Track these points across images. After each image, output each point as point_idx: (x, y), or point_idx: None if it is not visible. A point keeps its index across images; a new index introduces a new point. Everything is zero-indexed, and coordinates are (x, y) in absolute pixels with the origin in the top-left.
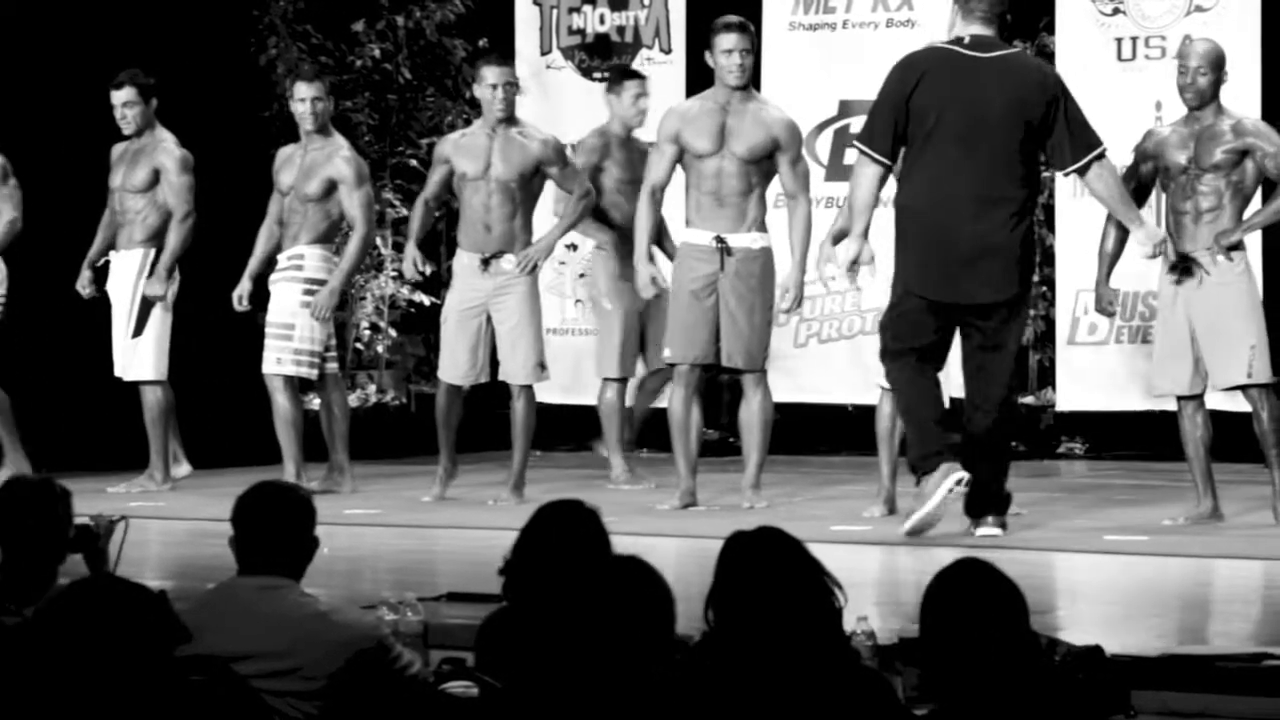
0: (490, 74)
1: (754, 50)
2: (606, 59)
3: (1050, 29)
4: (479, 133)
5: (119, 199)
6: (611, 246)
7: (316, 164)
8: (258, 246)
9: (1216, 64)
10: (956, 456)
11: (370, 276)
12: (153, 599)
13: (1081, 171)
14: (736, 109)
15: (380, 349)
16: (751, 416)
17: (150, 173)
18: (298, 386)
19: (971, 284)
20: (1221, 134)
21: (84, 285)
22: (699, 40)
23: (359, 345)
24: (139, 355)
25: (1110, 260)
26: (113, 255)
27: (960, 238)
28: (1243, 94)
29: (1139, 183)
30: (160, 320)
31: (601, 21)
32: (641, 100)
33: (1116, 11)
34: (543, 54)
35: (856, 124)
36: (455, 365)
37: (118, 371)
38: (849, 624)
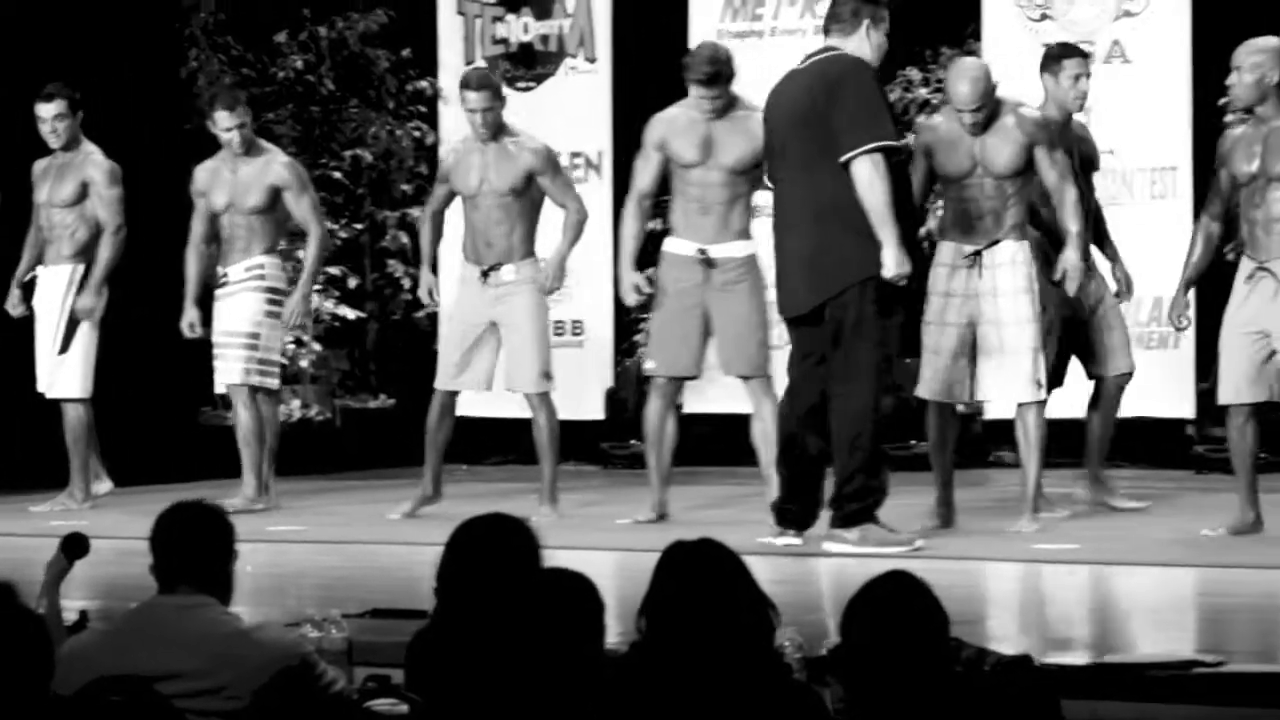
0: (467, 99)
1: (730, 76)
2: (531, 69)
3: (977, 35)
4: (472, 147)
5: (45, 214)
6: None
7: (253, 176)
8: (190, 270)
9: (1266, 63)
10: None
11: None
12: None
13: (847, 165)
14: (722, 118)
15: (304, 364)
16: (767, 427)
17: (78, 186)
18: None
19: (780, 297)
20: None
21: (14, 305)
22: (624, 49)
23: (283, 360)
24: (65, 372)
25: (1195, 270)
26: (40, 271)
27: (780, 252)
28: (1173, 100)
29: (1221, 190)
30: (87, 337)
31: (525, 31)
32: (1082, 81)
33: (1044, 17)
34: (467, 64)
35: None
36: (448, 372)
37: (41, 388)
38: (780, 636)
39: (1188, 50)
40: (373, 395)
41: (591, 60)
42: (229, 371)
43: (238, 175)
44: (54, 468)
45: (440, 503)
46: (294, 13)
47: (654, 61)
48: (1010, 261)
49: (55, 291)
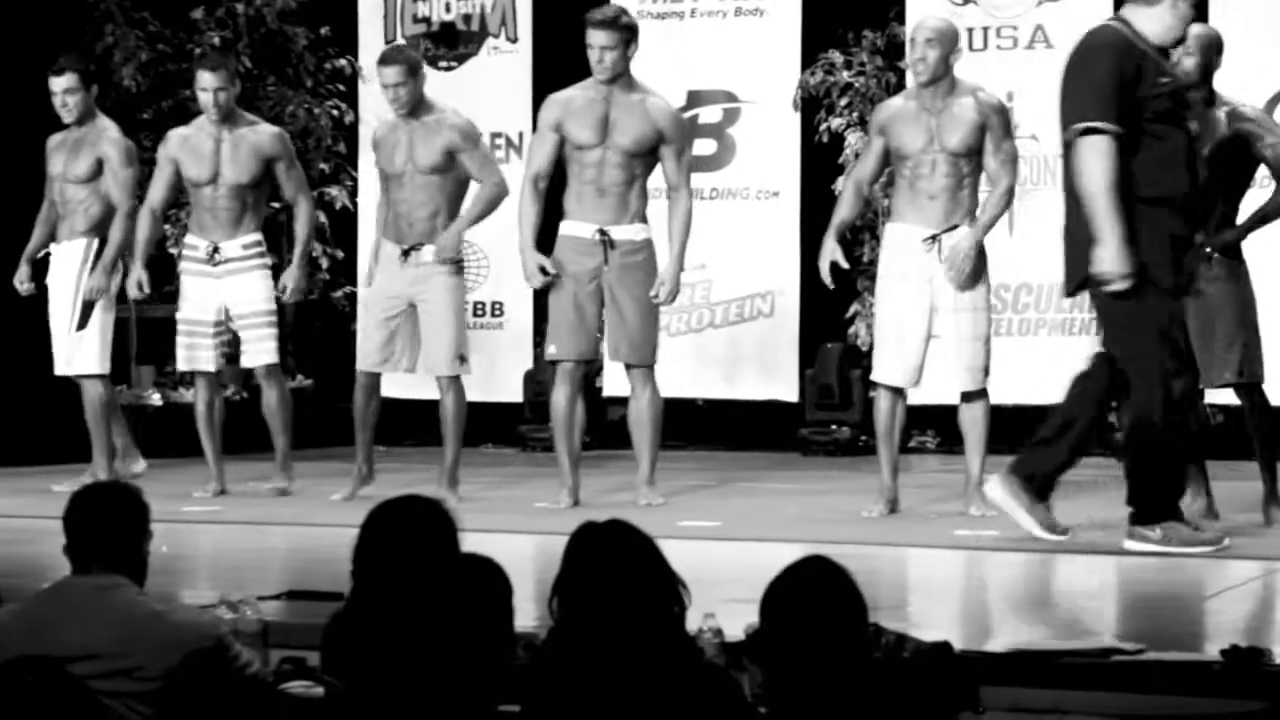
0: (381, 74)
1: (628, 41)
2: (453, 48)
3: (900, 19)
4: (398, 125)
5: (59, 189)
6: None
7: (245, 148)
8: (144, 233)
9: (1206, 49)
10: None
11: None
12: None
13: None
14: (619, 100)
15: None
16: (641, 413)
17: (93, 162)
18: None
19: None
20: (1217, 124)
21: (22, 281)
22: (545, 29)
23: None
24: (83, 349)
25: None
26: (53, 247)
27: None
28: None
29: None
30: (103, 314)
31: (447, 10)
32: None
33: (968, 1)
34: (387, 42)
35: (706, 114)
36: (370, 352)
37: (58, 367)
38: (696, 621)
39: None
40: (290, 376)
41: (513, 40)
42: (261, 353)
43: (223, 146)
44: (77, 445)
45: (373, 483)
46: None
47: (576, 42)
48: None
49: (70, 268)
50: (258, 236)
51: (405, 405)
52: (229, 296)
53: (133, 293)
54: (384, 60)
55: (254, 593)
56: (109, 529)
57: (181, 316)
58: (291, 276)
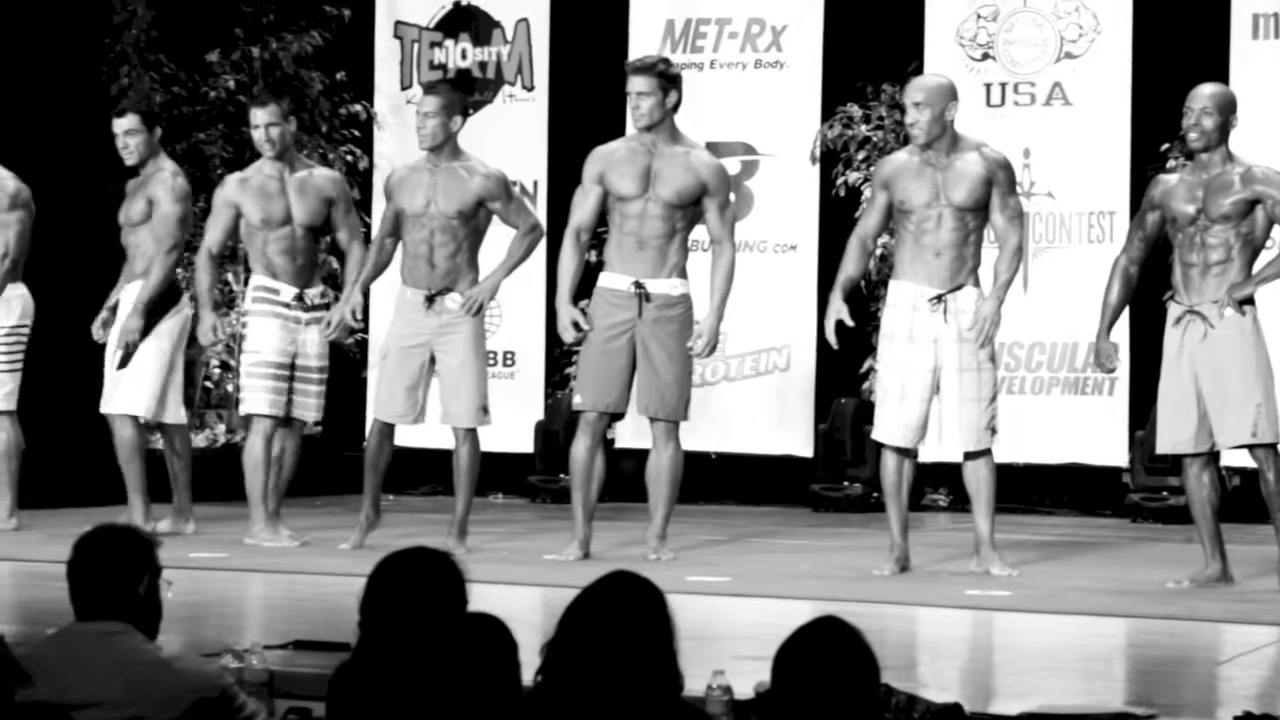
0: (422, 103)
1: (666, 89)
2: (469, 94)
3: (919, 72)
4: (421, 166)
5: (124, 234)
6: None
7: (308, 191)
8: (207, 279)
9: (1223, 107)
10: None
11: (221, 314)
12: None
13: None
14: (662, 151)
15: (230, 388)
16: (661, 469)
17: (146, 205)
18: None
19: None
20: (1230, 183)
21: (97, 328)
22: (562, 77)
23: (208, 384)
24: (120, 388)
25: (1113, 313)
26: (120, 292)
27: None
28: (1113, 143)
29: (1145, 233)
30: (155, 354)
31: (463, 57)
32: None
33: (986, 57)
34: (403, 88)
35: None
36: (393, 403)
37: (101, 405)
38: (704, 678)
39: (1128, 94)
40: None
41: (529, 88)
42: (309, 407)
43: (289, 188)
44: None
45: (380, 528)
46: (227, 32)
47: (592, 91)
48: (972, 307)
49: (125, 309)
50: (322, 288)
51: (413, 454)
52: (301, 344)
53: (207, 339)
54: (428, 87)
55: (260, 641)
56: (112, 575)
57: (261, 359)
58: (336, 312)
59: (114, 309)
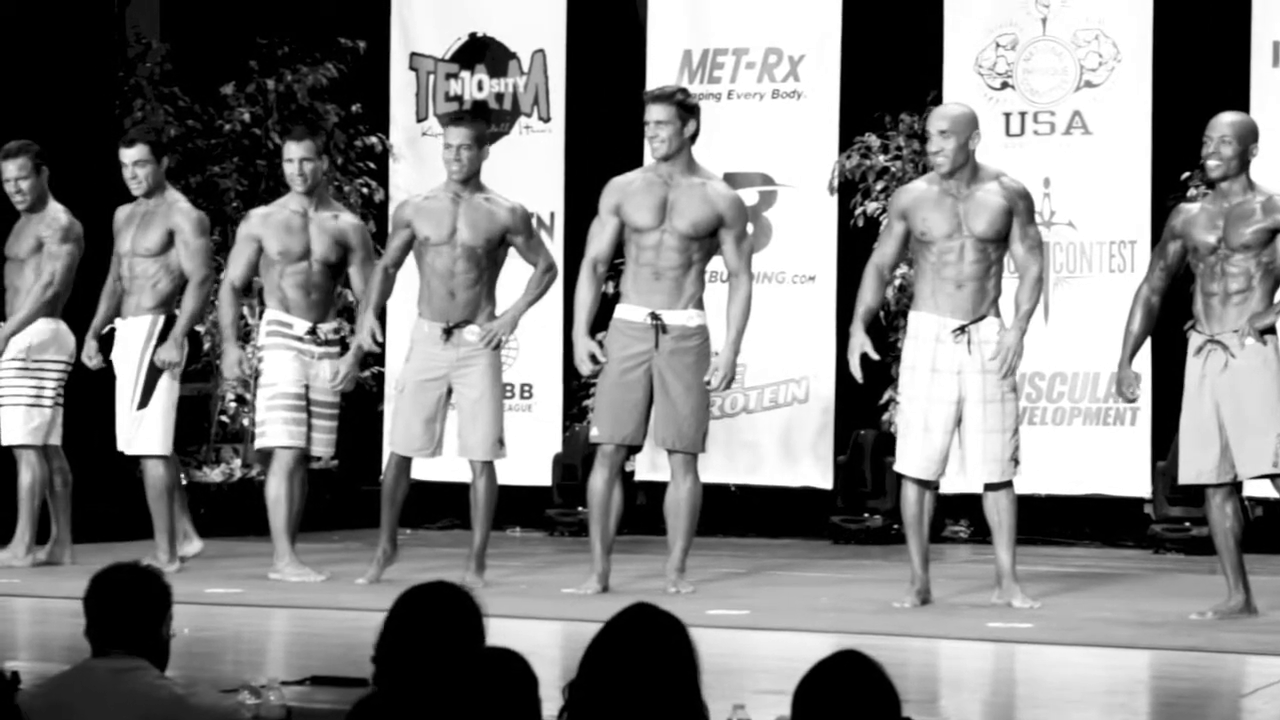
0: (449, 134)
1: (685, 119)
2: (488, 126)
3: (938, 101)
4: (442, 196)
5: (127, 264)
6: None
7: (328, 230)
8: (231, 313)
9: (1243, 136)
10: None
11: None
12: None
13: None
14: (679, 182)
15: (245, 422)
16: (680, 501)
17: (164, 235)
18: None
19: None
20: (1251, 212)
21: (90, 356)
22: (578, 108)
23: (224, 418)
24: (144, 429)
25: (1135, 342)
26: (118, 323)
27: None
28: (1134, 172)
29: (1167, 262)
30: (167, 392)
31: (480, 88)
32: None
33: (1005, 86)
34: (419, 120)
35: (744, 197)
36: (410, 437)
37: (121, 445)
38: (725, 711)
39: (1149, 122)
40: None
41: (546, 120)
42: (320, 442)
43: (311, 225)
44: (138, 523)
45: (397, 561)
46: (242, 65)
47: (608, 123)
48: (995, 338)
49: (134, 344)
50: (337, 322)
51: (431, 487)
52: (313, 378)
53: (232, 372)
54: (456, 119)
55: (277, 677)
56: (129, 612)
57: (279, 390)
58: (346, 363)
59: (103, 338)
